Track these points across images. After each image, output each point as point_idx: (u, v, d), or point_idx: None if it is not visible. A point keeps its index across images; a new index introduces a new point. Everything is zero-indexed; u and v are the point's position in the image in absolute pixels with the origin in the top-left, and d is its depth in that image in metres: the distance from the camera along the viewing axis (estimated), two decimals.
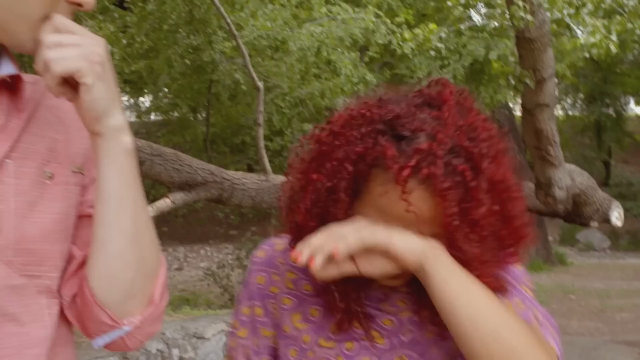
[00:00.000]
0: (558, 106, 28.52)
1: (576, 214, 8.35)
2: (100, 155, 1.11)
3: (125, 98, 17.91)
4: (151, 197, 7.37)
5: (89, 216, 1.17)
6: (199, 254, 21.38)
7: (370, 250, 1.15)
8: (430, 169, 1.09)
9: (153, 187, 8.97)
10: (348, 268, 1.16)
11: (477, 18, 10.48)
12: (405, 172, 1.09)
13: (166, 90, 9.65)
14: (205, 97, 9.52)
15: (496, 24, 5.40)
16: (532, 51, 5.59)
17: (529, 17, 4.64)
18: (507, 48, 8.65)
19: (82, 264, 1.17)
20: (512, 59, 6.48)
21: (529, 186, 8.07)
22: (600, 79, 24.90)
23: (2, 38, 1.09)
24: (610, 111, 25.90)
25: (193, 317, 6.54)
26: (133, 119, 20.07)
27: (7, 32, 1.07)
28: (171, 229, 23.22)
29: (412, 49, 6.59)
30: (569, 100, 27.92)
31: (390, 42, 7.61)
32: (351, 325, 1.27)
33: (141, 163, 5.86)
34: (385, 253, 1.14)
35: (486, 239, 1.16)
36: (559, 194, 7.34)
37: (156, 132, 12.28)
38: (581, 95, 26.83)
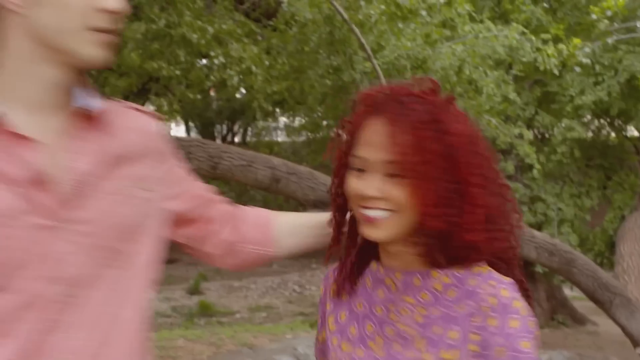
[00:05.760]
0: None
1: None
2: None
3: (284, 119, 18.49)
4: None
5: None
6: None
7: None
8: (404, 100, 1.42)
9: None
10: None
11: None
12: (389, 99, 1.44)
13: (313, 110, 9.85)
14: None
15: None
16: None
17: None
18: None
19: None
20: None
21: None
22: None
23: (68, 58, 1.34)
24: None
25: None
26: (283, 138, 20.65)
27: (67, 50, 1.33)
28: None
29: (555, 65, 6.35)
30: None
31: (536, 59, 7.37)
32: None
33: (277, 181, 5.99)
34: None
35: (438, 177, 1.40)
36: None
37: (300, 152, 12.55)
38: None
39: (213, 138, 26.62)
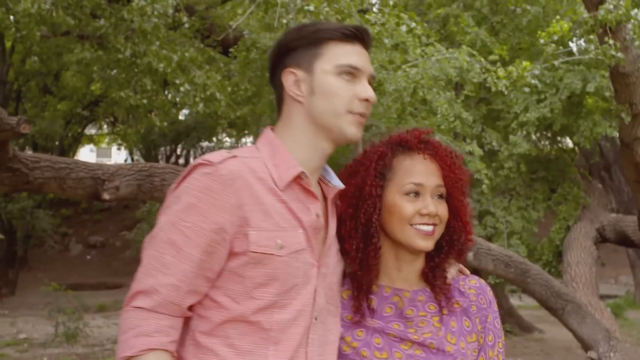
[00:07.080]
0: None
1: None
2: None
3: (229, 140, 18.59)
4: None
5: None
6: None
7: None
8: (433, 143, 1.88)
9: None
10: None
11: (574, 48, 10.38)
12: (421, 142, 1.88)
13: None
14: None
15: (591, 56, 5.51)
16: (627, 86, 5.63)
17: (620, 54, 4.73)
18: (604, 78, 8.59)
19: None
20: (607, 93, 6.49)
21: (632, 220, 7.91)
22: None
23: (334, 135, 1.81)
24: None
25: None
26: None
27: (335, 128, 1.79)
28: None
29: (506, 86, 6.72)
30: None
31: (485, 80, 7.72)
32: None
33: None
34: None
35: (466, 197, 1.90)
36: None
37: None
38: None
39: (157, 161, 26.47)
